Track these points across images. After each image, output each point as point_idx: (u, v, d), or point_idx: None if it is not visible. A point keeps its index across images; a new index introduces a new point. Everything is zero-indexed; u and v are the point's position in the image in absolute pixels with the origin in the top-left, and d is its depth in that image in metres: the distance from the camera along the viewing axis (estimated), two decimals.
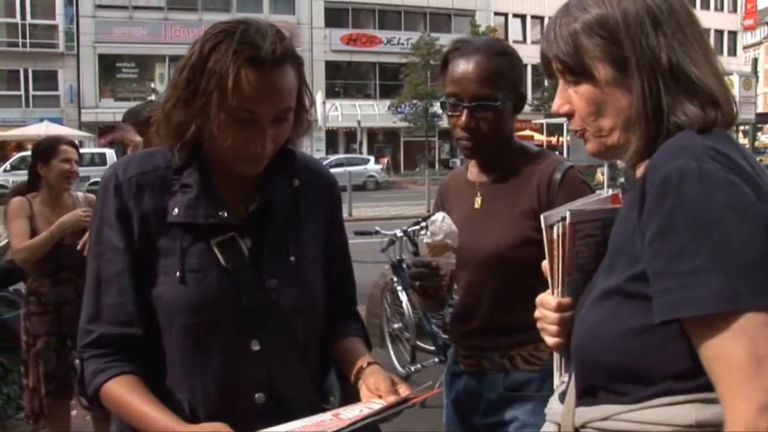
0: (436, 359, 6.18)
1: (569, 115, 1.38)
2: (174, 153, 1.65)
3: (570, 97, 1.36)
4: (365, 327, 1.93)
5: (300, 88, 1.65)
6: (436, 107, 37.29)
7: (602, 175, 18.53)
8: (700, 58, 1.27)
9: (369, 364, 1.70)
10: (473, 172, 2.38)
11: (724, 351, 1.08)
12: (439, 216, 2.15)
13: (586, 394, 1.30)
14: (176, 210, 1.62)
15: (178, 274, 1.60)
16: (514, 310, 2.02)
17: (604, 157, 1.41)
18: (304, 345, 1.71)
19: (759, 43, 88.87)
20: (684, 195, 1.12)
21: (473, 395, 2.29)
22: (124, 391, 1.57)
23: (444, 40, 34.93)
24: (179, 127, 1.60)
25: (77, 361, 1.64)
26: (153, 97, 22.99)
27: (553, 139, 34.05)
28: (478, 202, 2.31)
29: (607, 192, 1.57)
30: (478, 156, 2.30)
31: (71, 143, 4.26)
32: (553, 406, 1.44)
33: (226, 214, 1.64)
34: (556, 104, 1.40)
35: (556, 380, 1.51)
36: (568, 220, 1.36)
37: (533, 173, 2.22)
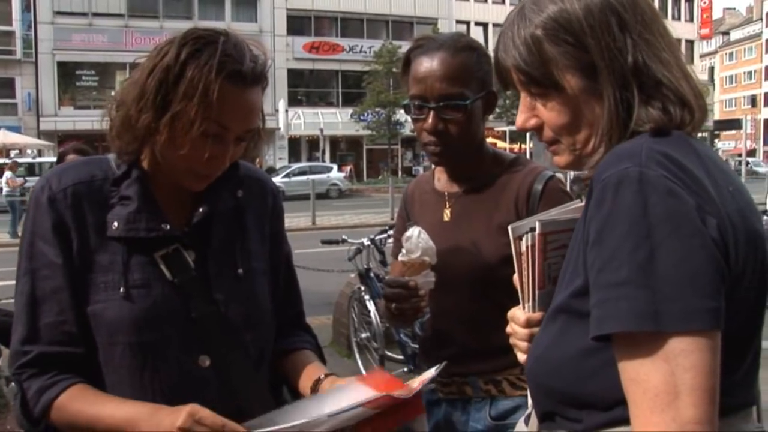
0: (405, 369, 6.14)
1: (537, 129, 1.28)
2: (114, 162, 1.59)
3: (537, 110, 1.26)
4: (317, 339, 1.87)
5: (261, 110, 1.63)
6: (399, 115, 37.39)
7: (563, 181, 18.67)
8: (670, 60, 1.19)
9: (326, 375, 1.66)
10: (441, 180, 2.18)
11: (641, 375, 1.01)
12: (415, 231, 1.95)
13: (546, 418, 1.24)
14: (116, 224, 1.56)
15: (121, 290, 1.53)
16: (494, 333, 1.75)
17: (575, 169, 1.32)
18: (256, 359, 1.66)
19: (715, 52, 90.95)
20: (619, 201, 1.04)
21: (456, 425, 2.08)
22: (82, 398, 1.50)
23: (406, 47, 34.82)
24: (143, 131, 1.52)
25: (13, 384, 1.54)
26: None
27: (516, 147, 34.30)
28: (447, 215, 2.11)
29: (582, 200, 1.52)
30: (448, 162, 2.10)
31: (81, 151, 4.26)
32: (520, 429, 1.39)
33: (168, 227, 1.58)
34: (521, 119, 1.28)
35: (529, 399, 1.45)
36: (537, 231, 1.30)
37: (510, 183, 2.04)
